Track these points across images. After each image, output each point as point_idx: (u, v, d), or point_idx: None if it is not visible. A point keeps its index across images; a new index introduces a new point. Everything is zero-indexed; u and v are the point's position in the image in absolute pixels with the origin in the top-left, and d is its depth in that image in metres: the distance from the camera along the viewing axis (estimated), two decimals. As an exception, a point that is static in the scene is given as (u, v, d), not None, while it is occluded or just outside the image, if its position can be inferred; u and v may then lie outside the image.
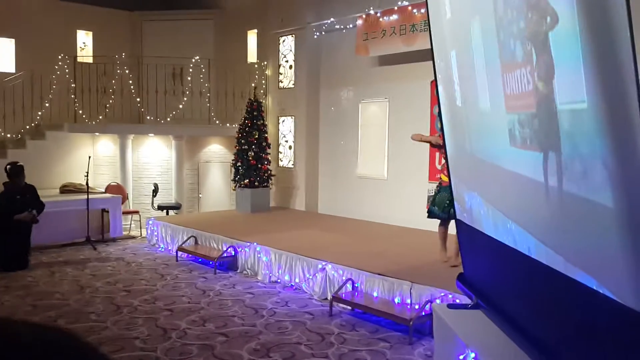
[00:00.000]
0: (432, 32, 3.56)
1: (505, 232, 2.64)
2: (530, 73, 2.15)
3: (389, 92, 9.02)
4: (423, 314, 5.00)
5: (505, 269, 2.75)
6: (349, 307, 5.76)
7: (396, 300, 5.37)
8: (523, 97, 2.26)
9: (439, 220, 6.00)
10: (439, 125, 3.78)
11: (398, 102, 8.92)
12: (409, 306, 5.23)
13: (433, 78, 7.98)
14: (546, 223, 2.15)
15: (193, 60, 10.97)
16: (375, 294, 5.62)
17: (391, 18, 8.39)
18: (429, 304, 5.02)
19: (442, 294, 4.97)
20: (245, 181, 10.08)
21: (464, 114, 3.04)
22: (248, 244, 7.40)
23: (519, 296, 2.66)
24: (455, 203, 3.54)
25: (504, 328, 2.79)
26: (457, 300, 4.78)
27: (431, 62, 7.84)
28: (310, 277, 6.42)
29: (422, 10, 7.91)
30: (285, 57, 10.68)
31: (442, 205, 5.81)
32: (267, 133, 10.32)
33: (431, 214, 6.00)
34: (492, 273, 2.99)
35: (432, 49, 3.56)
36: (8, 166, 7.80)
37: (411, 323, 4.88)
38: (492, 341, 2.77)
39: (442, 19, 3.28)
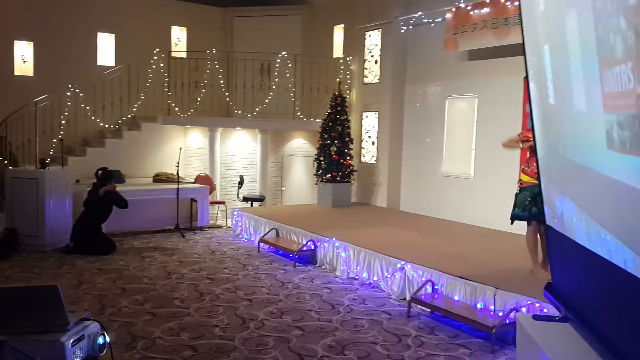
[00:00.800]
0: (524, 25, 3.35)
1: (599, 242, 2.43)
2: (632, 70, 1.95)
3: (478, 88, 8.69)
4: (507, 322, 4.76)
5: (598, 282, 2.54)
6: (428, 310, 5.61)
7: (478, 306, 5.16)
8: (623, 96, 2.05)
9: (525, 223, 5.69)
10: (531, 124, 3.57)
11: (487, 98, 8.58)
12: (492, 313, 5.01)
13: (525, 74, 7.70)
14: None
15: (280, 55, 11.12)
16: (456, 298, 5.44)
17: (482, 11, 8.07)
18: (514, 312, 4.78)
19: (529, 303, 4.72)
20: (328, 176, 10.11)
21: (557, 112, 2.83)
22: (327, 239, 7.40)
23: (611, 312, 2.45)
24: (545, 207, 3.32)
25: (594, 345, 2.58)
26: (545, 310, 4.52)
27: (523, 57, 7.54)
28: (389, 275, 6.32)
29: (516, 3, 7.54)
30: (371, 52, 10.57)
31: (522, 205, 5.60)
32: (350, 128, 10.29)
33: (513, 218, 5.73)
34: (582, 285, 2.77)
35: (523, 43, 3.35)
36: (100, 171, 8.26)
37: (494, 331, 4.67)
38: (581, 358, 2.57)
39: (534, 11, 3.07)
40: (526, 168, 5.74)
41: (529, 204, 5.52)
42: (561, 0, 2.56)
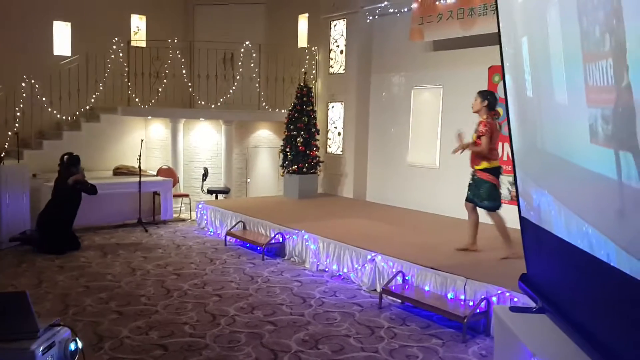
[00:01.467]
0: (500, 17, 3.34)
1: (580, 236, 2.44)
2: (618, 64, 1.95)
3: (443, 78, 8.74)
4: (478, 311, 4.82)
5: (578, 275, 2.56)
6: (399, 300, 5.63)
7: (449, 296, 5.20)
8: (608, 90, 2.05)
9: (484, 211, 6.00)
10: (504, 114, 3.57)
11: (452, 88, 8.63)
12: (462, 302, 5.05)
13: (490, 64, 7.78)
14: (633, 230, 1.96)
15: (244, 45, 10.93)
16: (426, 288, 5.46)
17: (448, 1, 8.09)
18: (485, 301, 4.84)
19: (499, 292, 4.78)
20: (294, 167, 10.03)
21: (535, 105, 2.83)
22: (296, 231, 7.34)
23: (593, 304, 2.47)
24: (519, 199, 3.34)
25: (574, 337, 2.61)
26: (515, 300, 4.59)
27: (489, 47, 7.62)
28: (359, 267, 6.31)
29: (482, -6, 7.59)
30: (336, 41, 10.50)
31: (494, 195, 5.96)
32: (316, 119, 10.21)
33: (489, 208, 6.03)
34: (561, 277, 2.80)
35: (499, 34, 3.34)
36: (65, 156, 7.94)
37: (465, 320, 4.71)
38: (561, 350, 2.59)
39: (512, 3, 3.06)
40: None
41: (469, 189, 6.08)
42: (543, -7, 2.55)
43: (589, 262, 2.36)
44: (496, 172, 5.98)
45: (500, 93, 7.73)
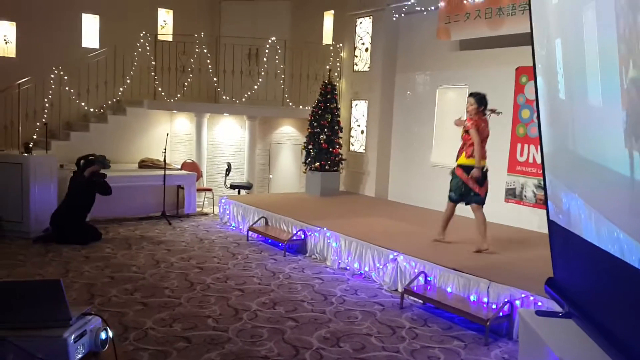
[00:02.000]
0: (532, 18, 3.31)
1: (611, 241, 2.42)
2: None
3: (470, 78, 8.67)
4: (501, 314, 4.78)
5: (608, 280, 2.53)
6: (421, 301, 5.61)
7: (472, 298, 5.17)
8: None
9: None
10: (536, 117, 3.54)
11: (479, 88, 8.45)
12: (485, 305, 5.02)
13: (517, 65, 7.69)
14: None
15: (269, 41, 10.97)
16: (449, 290, 5.44)
17: (476, 1, 8.03)
18: (508, 304, 4.81)
19: (523, 296, 4.74)
20: (316, 164, 10.05)
21: (568, 108, 2.80)
22: (318, 228, 7.36)
23: (622, 310, 2.44)
24: (549, 202, 3.30)
25: (601, 343, 2.58)
26: (539, 304, 4.55)
27: (516, 48, 7.53)
28: (381, 266, 6.31)
29: (511, -7, 7.51)
30: (361, 39, 10.48)
31: (458, 191, 6.32)
32: (339, 117, 10.21)
33: (451, 199, 6.46)
34: (590, 282, 2.77)
35: (532, 35, 3.31)
36: (81, 160, 8.05)
37: (488, 323, 4.68)
38: (589, 356, 2.56)
39: (546, 5, 3.03)
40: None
41: (460, 189, 6.33)
42: (579, -5, 2.52)
43: (619, 267, 2.33)
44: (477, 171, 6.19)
45: (527, 94, 7.67)
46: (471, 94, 6.45)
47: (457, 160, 6.43)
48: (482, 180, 6.21)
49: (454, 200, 6.44)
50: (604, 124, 2.40)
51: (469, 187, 6.22)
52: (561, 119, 2.95)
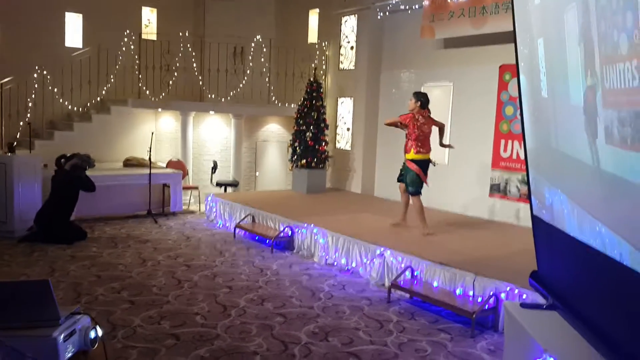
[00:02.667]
0: (515, 17, 3.37)
1: (593, 235, 2.49)
2: (637, 68, 1.99)
3: (454, 76, 8.77)
4: (486, 307, 4.87)
5: (590, 273, 2.61)
6: (407, 295, 5.68)
7: (458, 292, 5.26)
8: (626, 93, 2.09)
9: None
10: (519, 114, 3.61)
11: (463, 86, 8.66)
12: (471, 298, 5.11)
13: (501, 63, 7.79)
14: (647, 230, 2.00)
15: (254, 39, 10.97)
16: (435, 284, 5.52)
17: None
18: (493, 297, 4.89)
19: (508, 289, 4.82)
20: (302, 162, 10.09)
21: (550, 106, 2.87)
22: (305, 225, 7.40)
23: (603, 302, 2.52)
24: (532, 198, 3.38)
25: (584, 333, 2.66)
26: (524, 296, 4.64)
27: (500, 46, 7.63)
28: (368, 262, 6.37)
29: (494, -8, 7.60)
30: (347, 37, 10.53)
31: (400, 172, 7.14)
32: (325, 114, 10.26)
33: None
34: (572, 275, 2.84)
35: (514, 35, 3.38)
36: (61, 159, 7.97)
37: (474, 316, 4.76)
38: (573, 347, 2.64)
39: (528, 5, 3.09)
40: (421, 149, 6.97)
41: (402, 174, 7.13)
42: (561, -5, 2.58)
43: (601, 261, 2.41)
44: (424, 164, 6.97)
45: (511, 92, 7.77)
46: (413, 93, 7.23)
47: (407, 154, 7.08)
48: (414, 179, 6.98)
49: (416, 193, 7.09)
50: (586, 121, 2.47)
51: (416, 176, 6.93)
52: (544, 117, 3.02)
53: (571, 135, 2.59)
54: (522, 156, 7.25)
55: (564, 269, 2.95)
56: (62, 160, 7.97)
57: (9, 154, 7.83)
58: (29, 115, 9.66)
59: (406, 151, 7.10)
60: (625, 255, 2.21)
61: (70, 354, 2.50)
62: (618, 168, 2.16)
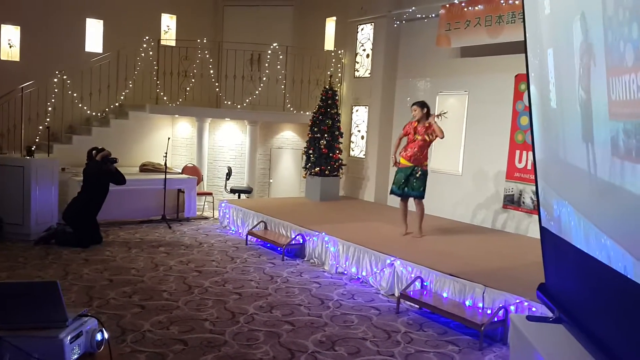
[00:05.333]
0: (526, 27, 3.36)
1: (599, 247, 2.46)
2: (642, 79, 1.97)
3: (469, 84, 8.73)
4: (495, 319, 4.82)
5: (595, 286, 2.57)
6: (417, 306, 5.65)
7: (467, 303, 5.21)
8: (632, 104, 2.07)
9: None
10: (529, 124, 3.59)
11: (478, 95, 8.62)
12: (480, 310, 5.06)
13: (517, 72, 7.75)
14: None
15: (271, 46, 11.04)
16: (445, 295, 5.48)
17: (476, 8, 8.09)
18: (503, 310, 4.84)
19: (517, 301, 4.77)
20: (316, 169, 10.10)
21: (559, 116, 2.85)
22: (316, 233, 7.40)
23: (609, 316, 2.48)
24: (541, 209, 3.35)
25: (589, 348, 2.62)
26: (534, 309, 4.58)
27: (516, 55, 7.59)
28: (378, 271, 6.35)
29: (510, 1, 7.58)
30: (362, 45, 10.55)
31: (399, 183, 7.21)
32: (340, 122, 10.27)
33: (392, 192, 7.44)
34: (578, 287, 2.81)
35: (525, 45, 3.36)
36: (93, 151, 8.09)
37: (482, 328, 4.72)
38: (576, 361, 2.60)
39: (539, 15, 3.08)
40: (404, 153, 7.22)
41: (403, 184, 7.17)
42: (569, 6, 2.56)
43: (606, 274, 2.37)
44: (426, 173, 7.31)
45: (526, 102, 7.70)
46: (415, 103, 7.31)
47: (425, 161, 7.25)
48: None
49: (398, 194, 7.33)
50: (592, 133, 2.44)
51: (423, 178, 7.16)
52: (553, 127, 3.00)
53: (577, 146, 2.57)
54: (536, 167, 7.19)
55: (570, 281, 2.91)
56: (94, 152, 8.07)
57: (27, 157, 7.96)
58: (48, 119, 9.81)
59: (406, 158, 7.19)
60: (629, 268, 2.18)
61: (76, 356, 2.53)
62: (622, 180, 2.14)
